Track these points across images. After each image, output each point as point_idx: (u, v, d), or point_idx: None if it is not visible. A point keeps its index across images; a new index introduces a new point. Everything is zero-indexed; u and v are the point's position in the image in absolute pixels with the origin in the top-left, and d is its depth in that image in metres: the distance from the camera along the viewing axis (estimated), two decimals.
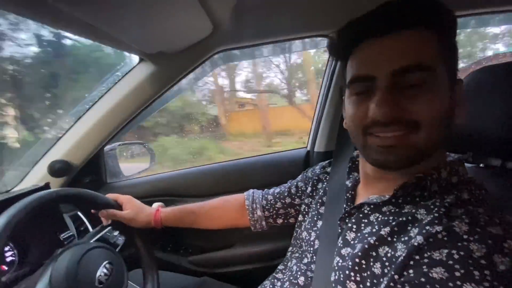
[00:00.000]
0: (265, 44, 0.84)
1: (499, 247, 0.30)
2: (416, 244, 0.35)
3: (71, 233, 0.80)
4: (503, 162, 0.55)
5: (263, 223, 0.73)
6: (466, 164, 0.49)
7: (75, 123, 0.87)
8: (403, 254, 0.36)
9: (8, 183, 0.93)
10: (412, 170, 0.42)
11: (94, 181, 0.98)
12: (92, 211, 0.71)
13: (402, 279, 0.34)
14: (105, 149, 0.99)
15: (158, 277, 0.71)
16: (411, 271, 0.34)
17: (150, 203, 1.00)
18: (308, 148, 1.08)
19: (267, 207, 0.72)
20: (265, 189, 0.76)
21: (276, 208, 0.71)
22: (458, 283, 0.29)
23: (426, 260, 0.33)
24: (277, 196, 0.72)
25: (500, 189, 0.47)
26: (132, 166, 1.16)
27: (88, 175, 0.96)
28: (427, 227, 0.36)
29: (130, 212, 0.71)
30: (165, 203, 1.01)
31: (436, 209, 0.38)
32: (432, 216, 0.37)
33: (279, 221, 0.72)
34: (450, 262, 0.31)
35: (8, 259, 0.65)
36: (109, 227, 0.72)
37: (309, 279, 0.53)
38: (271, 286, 0.59)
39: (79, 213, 0.88)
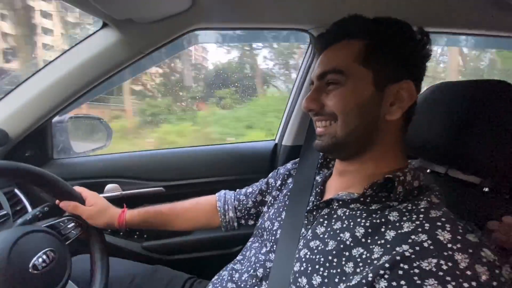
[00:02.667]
0: (244, 30, 0.81)
1: (478, 256, 0.33)
2: (401, 252, 0.36)
3: (5, 212, 0.70)
4: (447, 170, 0.62)
5: (235, 224, 0.72)
6: None
7: (16, 87, 0.75)
8: (385, 259, 0.37)
9: None
10: (357, 161, 0.49)
11: (37, 155, 0.87)
12: (57, 201, 0.64)
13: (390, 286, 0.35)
14: (53, 121, 0.88)
15: (108, 265, 0.66)
16: (403, 282, 0.34)
17: (102, 184, 0.93)
18: (276, 141, 1.08)
19: (239, 207, 0.71)
20: (238, 190, 0.75)
21: (248, 208, 0.71)
22: None
23: (416, 271, 0.34)
24: (249, 195, 0.71)
25: (444, 195, 0.52)
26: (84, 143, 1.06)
27: (29, 148, 0.84)
28: (412, 236, 0.37)
29: (93, 209, 0.65)
30: (119, 185, 0.94)
31: (413, 215, 0.40)
32: (411, 223, 0.39)
33: (251, 222, 0.72)
34: (441, 273, 0.33)
35: None
36: (68, 217, 0.64)
37: (268, 270, 0.53)
38: (229, 277, 0.58)
39: (16, 191, 0.78)
